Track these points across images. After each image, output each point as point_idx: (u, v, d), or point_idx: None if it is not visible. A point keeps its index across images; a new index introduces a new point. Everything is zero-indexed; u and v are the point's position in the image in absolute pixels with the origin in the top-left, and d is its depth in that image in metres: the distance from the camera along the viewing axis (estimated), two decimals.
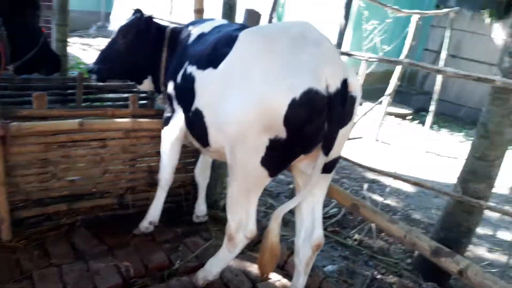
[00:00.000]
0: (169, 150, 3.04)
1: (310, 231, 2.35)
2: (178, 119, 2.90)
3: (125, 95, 4.40)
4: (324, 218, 4.13)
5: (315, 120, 1.95)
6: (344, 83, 1.97)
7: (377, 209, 2.43)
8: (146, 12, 3.21)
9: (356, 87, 2.03)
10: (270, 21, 4.69)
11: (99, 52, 3.17)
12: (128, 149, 3.30)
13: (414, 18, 7.03)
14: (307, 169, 2.21)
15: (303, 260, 2.35)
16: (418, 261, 3.41)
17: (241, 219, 2.35)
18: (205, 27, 2.84)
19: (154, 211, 3.19)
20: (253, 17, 3.41)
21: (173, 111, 2.94)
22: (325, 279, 2.77)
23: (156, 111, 3.43)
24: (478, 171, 2.91)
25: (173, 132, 2.97)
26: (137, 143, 3.33)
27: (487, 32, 10.41)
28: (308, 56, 1.97)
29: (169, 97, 2.94)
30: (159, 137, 3.34)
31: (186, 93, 2.60)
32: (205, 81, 2.40)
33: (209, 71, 2.38)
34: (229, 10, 7.09)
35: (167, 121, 3.00)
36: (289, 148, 2.05)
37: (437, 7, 11.80)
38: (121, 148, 3.27)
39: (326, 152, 2.00)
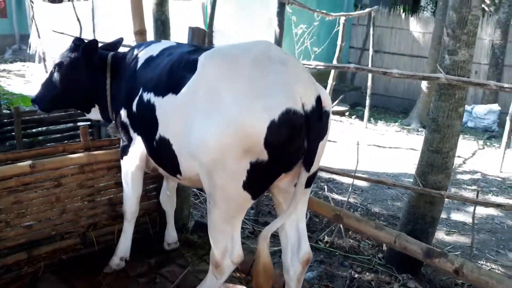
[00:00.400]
0: (131, 180, 2.89)
1: (296, 247, 2.34)
2: (137, 148, 2.77)
3: (70, 124, 4.17)
4: None
5: (295, 139, 1.95)
6: (318, 99, 1.99)
7: (360, 217, 2.47)
8: (88, 38, 3.05)
9: (328, 102, 2.07)
10: (210, 37, 4.63)
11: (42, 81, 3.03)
12: (85, 184, 3.09)
13: (341, 20, 7.38)
14: (288, 186, 2.20)
15: (294, 277, 2.34)
16: (389, 254, 3.56)
17: (226, 246, 2.29)
18: (152, 50, 2.73)
19: (124, 246, 3.02)
20: (197, 35, 3.35)
21: (129, 139, 2.81)
22: None
23: (110, 141, 3.25)
24: (435, 164, 3.10)
25: (133, 161, 2.83)
26: (93, 177, 3.13)
27: (405, 26, 11.20)
28: (277, 76, 1.97)
29: (123, 126, 2.80)
30: (116, 167, 3.19)
31: (145, 122, 2.49)
32: (167, 109, 2.30)
33: (170, 97, 2.29)
34: (161, 26, 6.93)
35: (125, 151, 2.86)
36: (271, 169, 2.03)
37: (355, 6, 12.54)
38: (77, 184, 3.05)
39: (308, 168, 2.01)
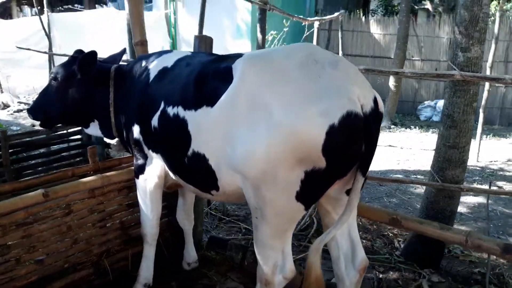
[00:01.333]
0: (150, 200, 2.70)
1: (351, 255, 2.24)
2: (155, 165, 2.59)
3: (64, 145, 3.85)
4: (299, 231, 4.13)
5: (355, 143, 1.86)
6: (375, 100, 1.92)
7: (419, 218, 2.37)
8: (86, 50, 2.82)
9: (381, 103, 2.00)
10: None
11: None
12: (96, 208, 2.86)
13: (315, 25, 7.44)
14: (338, 193, 2.10)
15: (351, 285, 2.24)
16: (407, 251, 3.56)
17: (276, 261, 2.15)
18: (165, 61, 2.56)
19: (146, 271, 2.81)
20: (205, 42, 3.20)
21: (145, 157, 2.62)
22: None
23: (119, 160, 3.02)
24: (453, 159, 3.14)
25: (152, 180, 2.64)
26: (104, 200, 2.89)
27: (365, 28, 11.54)
28: (330, 78, 1.87)
29: (136, 143, 2.60)
30: (127, 188, 2.99)
31: (172, 137, 2.31)
32: (202, 122, 2.14)
33: (204, 110, 2.13)
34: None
35: (141, 169, 2.66)
36: (328, 176, 1.92)
37: (316, 13, 12.80)
38: (88, 210, 2.81)
39: (365, 172, 1.93)
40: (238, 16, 10.33)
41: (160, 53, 2.71)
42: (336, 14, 8.70)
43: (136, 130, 2.56)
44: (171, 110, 2.27)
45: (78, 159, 3.83)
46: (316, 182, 1.92)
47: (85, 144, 3.86)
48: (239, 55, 2.18)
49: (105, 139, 4.07)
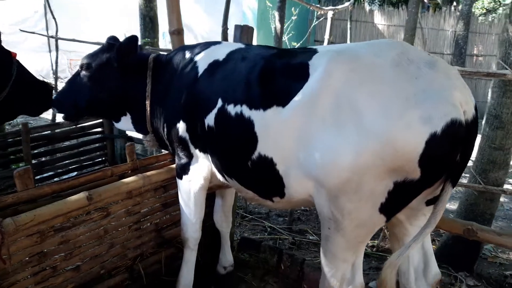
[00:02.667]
0: (194, 202, 2.54)
1: (422, 269, 2.12)
2: (202, 166, 2.43)
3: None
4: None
5: (454, 154, 1.70)
6: (475, 108, 1.75)
7: (497, 229, 2.23)
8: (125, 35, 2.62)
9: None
10: (225, 32, 4.25)
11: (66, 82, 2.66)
12: (132, 210, 2.68)
13: (329, 15, 7.27)
14: (418, 203, 1.94)
15: None
16: (441, 253, 3.49)
17: (345, 274, 2.02)
18: (215, 54, 2.36)
19: (187, 278, 2.68)
20: (247, 33, 3.02)
21: (189, 156, 2.45)
22: None
23: (156, 158, 2.84)
24: (497, 160, 3.06)
25: (197, 181, 2.48)
26: (140, 201, 2.71)
27: (369, 19, 11.39)
28: (428, 80, 1.68)
29: (180, 141, 2.43)
30: (163, 187, 2.81)
31: (233, 139, 2.14)
32: (271, 124, 1.96)
33: (274, 110, 1.95)
34: (150, 23, 6.38)
35: (185, 169, 2.49)
36: (418, 187, 1.76)
37: (319, 1, 12.59)
38: (125, 211, 2.63)
39: (455, 183, 1.79)
40: (244, 3, 10.04)
41: (207, 44, 2.52)
42: (346, 3, 8.54)
43: (181, 127, 2.39)
44: (232, 109, 2.09)
45: (98, 152, 3.63)
46: (405, 194, 1.78)
47: (107, 136, 3.67)
48: (311, 50, 2.00)
49: (129, 133, 3.89)
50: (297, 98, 1.88)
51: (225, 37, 4.21)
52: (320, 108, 1.80)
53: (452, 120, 1.61)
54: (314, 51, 1.98)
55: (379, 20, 11.28)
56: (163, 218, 2.91)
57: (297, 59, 2.00)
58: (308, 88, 1.85)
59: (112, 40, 2.63)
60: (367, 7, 11.51)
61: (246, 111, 2.04)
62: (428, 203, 1.94)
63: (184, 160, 2.48)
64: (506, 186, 5.42)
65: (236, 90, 2.12)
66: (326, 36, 7.66)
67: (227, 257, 3.00)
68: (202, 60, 2.38)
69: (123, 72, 2.53)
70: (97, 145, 3.67)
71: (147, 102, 2.53)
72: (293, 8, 8.36)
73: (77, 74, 2.60)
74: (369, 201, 1.78)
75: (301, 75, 1.90)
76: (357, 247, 1.96)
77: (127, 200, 2.61)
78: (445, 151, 1.65)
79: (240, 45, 2.42)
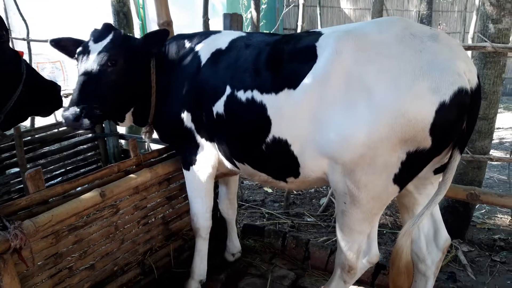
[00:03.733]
0: (204, 192, 2.57)
1: (433, 235, 2.23)
2: (209, 155, 2.46)
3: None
4: (322, 212, 4.13)
5: (461, 121, 1.79)
6: (478, 76, 1.83)
7: (498, 192, 2.35)
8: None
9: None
10: (206, 22, 4.24)
11: (77, 88, 2.24)
12: (140, 205, 2.68)
13: (301, 1, 7.34)
14: (426, 172, 2.02)
15: (433, 266, 2.22)
16: None
17: (360, 246, 2.10)
18: (217, 43, 2.37)
19: (200, 267, 2.71)
20: (236, 21, 3.04)
21: (195, 146, 2.47)
22: None
23: (158, 152, 2.83)
24: (482, 130, 3.23)
25: (205, 170, 2.51)
26: (147, 195, 2.72)
27: (335, 4, 11.56)
28: (432, 53, 1.76)
29: (186, 131, 2.44)
30: (167, 180, 2.82)
31: (246, 124, 2.16)
32: (284, 106, 2.00)
33: (286, 93, 1.99)
34: (124, 18, 6.25)
35: (191, 160, 2.51)
36: (428, 156, 1.85)
37: None
38: (133, 207, 2.63)
39: (462, 149, 1.89)
40: None
41: (206, 33, 2.52)
42: None
43: (186, 117, 2.39)
44: (243, 95, 2.12)
45: (91, 152, 3.58)
46: (417, 163, 1.86)
47: (98, 136, 3.61)
48: (316, 33, 2.05)
49: (120, 130, 3.84)
50: (307, 79, 1.93)
51: (206, 27, 4.19)
52: (331, 87, 1.86)
53: (459, 89, 1.70)
54: (319, 33, 2.03)
55: (345, 4, 11.47)
56: (169, 211, 2.92)
57: (303, 42, 2.04)
58: (318, 69, 1.90)
59: (111, 27, 2.43)
60: None
61: (257, 96, 2.08)
62: (436, 172, 2.04)
63: (190, 150, 2.49)
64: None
65: (245, 77, 2.14)
66: (299, 23, 7.78)
67: (234, 244, 3.05)
68: (204, 49, 2.38)
69: (137, 64, 2.41)
70: (89, 144, 3.61)
71: (153, 93, 2.47)
72: None
73: (100, 70, 2.27)
74: (383, 173, 1.86)
75: (309, 57, 1.95)
76: (372, 218, 2.04)
77: (134, 195, 2.61)
78: (453, 119, 1.74)
79: (241, 33, 2.44)
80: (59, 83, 2.39)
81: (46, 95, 2.17)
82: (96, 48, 2.30)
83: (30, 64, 6.50)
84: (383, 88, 1.75)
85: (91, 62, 2.27)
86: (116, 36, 2.35)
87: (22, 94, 1.94)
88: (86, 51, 2.31)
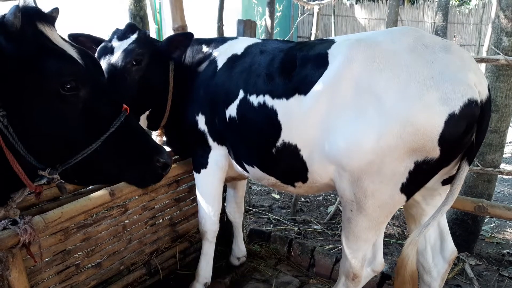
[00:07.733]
0: (213, 195, 2.59)
1: (439, 246, 2.22)
2: (219, 158, 2.48)
3: None
4: (329, 220, 4.12)
5: (470, 132, 1.79)
6: (489, 88, 1.85)
7: (506, 205, 2.34)
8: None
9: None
10: (220, 28, 4.30)
11: None
12: (148, 205, 2.71)
13: (315, 9, 7.38)
14: (434, 183, 2.01)
15: (438, 277, 2.20)
16: None
17: (365, 254, 2.10)
18: (233, 48, 2.41)
19: (206, 269, 2.72)
20: (249, 27, 3.07)
21: (207, 149, 2.49)
22: None
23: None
24: (493, 143, 3.20)
25: (215, 173, 2.53)
26: (155, 196, 2.75)
27: (350, 13, 11.58)
28: (444, 64, 1.77)
29: (199, 134, 2.46)
30: (175, 181, 2.85)
31: (256, 128, 2.19)
32: (294, 111, 2.02)
33: (297, 99, 2.01)
34: (140, 22, 6.37)
35: (202, 163, 2.53)
36: (437, 166, 1.85)
37: None
38: (142, 207, 2.66)
39: (471, 161, 1.90)
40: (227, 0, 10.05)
41: (223, 39, 2.56)
42: None
43: (200, 120, 2.42)
44: (255, 99, 2.15)
45: None
46: (424, 173, 1.86)
47: None
48: (329, 41, 2.07)
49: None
50: (317, 85, 1.95)
51: (220, 33, 4.25)
52: (341, 94, 1.87)
53: (469, 100, 1.70)
54: (332, 41, 2.06)
55: (360, 14, 11.49)
56: (176, 213, 2.95)
57: (316, 49, 2.07)
58: (328, 75, 1.92)
59: (136, 28, 2.44)
60: (347, 2, 11.67)
61: (269, 100, 2.10)
62: (444, 183, 2.04)
63: (202, 153, 2.51)
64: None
65: (258, 82, 2.18)
66: (313, 31, 7.82)
67: (240, 248, 3.06)
68: (220, 55, 2.42)
69: (159, 67, 2.43)
70: None
71: (169, 97, 2.49)
72: (277, 5, 8.45)
73: (122, 73, 2.25)
74: (391, 182, 1.86)
75: (321, 64, 1.97)
76: (378, 227, 2.04)
77: (143, 195, 2.64)
78: (462, 130, 1.74)
79: (256, 40, 2.48)
80: None
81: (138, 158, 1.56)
82: (121, 45, 2.30)
83: None
84: (393, 97, 1.76)
85: (116, 59, 2.27)
86: (142, 35, 2.37)
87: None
88: (109, 49, 2.31)
